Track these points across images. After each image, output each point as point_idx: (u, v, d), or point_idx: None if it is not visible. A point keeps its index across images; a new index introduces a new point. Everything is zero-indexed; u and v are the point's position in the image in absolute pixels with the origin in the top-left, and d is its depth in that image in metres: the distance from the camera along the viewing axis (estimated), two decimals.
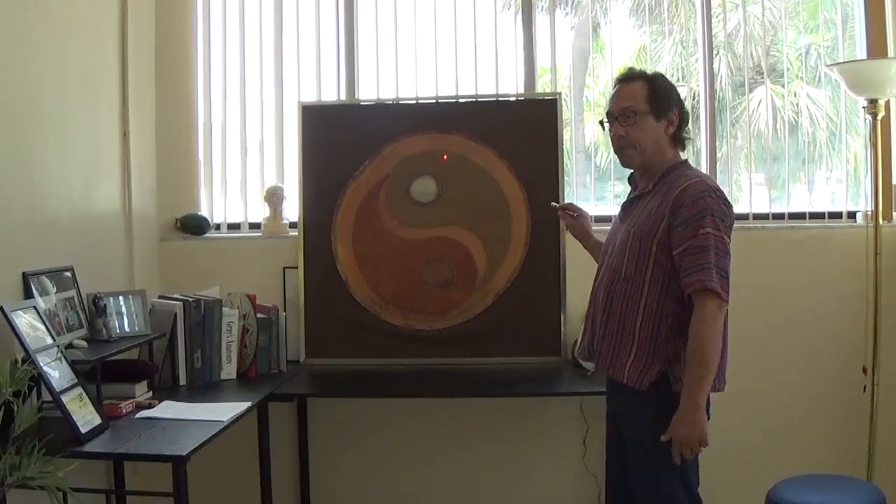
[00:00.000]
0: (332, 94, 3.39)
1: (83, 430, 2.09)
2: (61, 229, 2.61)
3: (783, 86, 3.39)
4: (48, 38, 2.54)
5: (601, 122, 2.23)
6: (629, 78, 2.17)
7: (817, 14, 3.39)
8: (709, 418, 2.04)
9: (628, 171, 2.28)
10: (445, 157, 3.11)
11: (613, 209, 3.28)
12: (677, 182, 2.04)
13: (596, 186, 3.47)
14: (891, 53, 3.15)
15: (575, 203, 2.69)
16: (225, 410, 2.41)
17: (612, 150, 2.24)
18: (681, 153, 2.19)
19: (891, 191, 3.13)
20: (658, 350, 2.03)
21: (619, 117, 2.13)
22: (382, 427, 3.27)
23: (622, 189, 3.40)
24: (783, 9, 3.38)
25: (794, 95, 3.51)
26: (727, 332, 2.05)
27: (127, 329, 2.70)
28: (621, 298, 2.09)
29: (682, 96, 2.19)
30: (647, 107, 2.11)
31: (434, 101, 3.25)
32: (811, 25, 3.51)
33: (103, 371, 2.43)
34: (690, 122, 2.23)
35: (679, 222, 1.98)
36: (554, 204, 2.60)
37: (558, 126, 3.09)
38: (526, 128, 3.11)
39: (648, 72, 2.19)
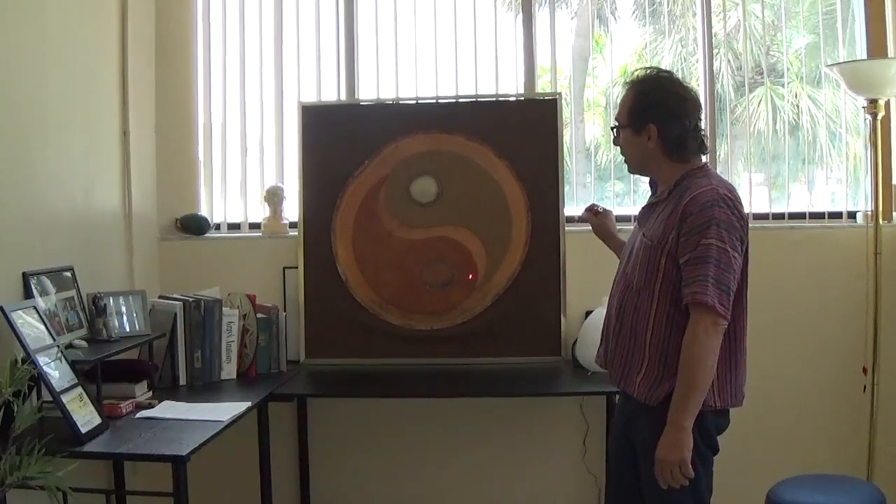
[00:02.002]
0: (332, 94, 3.38)
1: (83, 430, 2.09)
2: (61, 229, 2.61)
3: (783, 86, 3.39)
4: (48, 37, 2.53)
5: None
6: (626, 85, 2.09)
7: (817, 14, 3.39)
8: (722, 431, 2.02)
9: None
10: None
11: (613, 209, 3.29)
12: (689, 190, 1.95)
13: (596, 186, 3.46)
14: (891, 53, 3.15)
15: (596, 202, 2.57)
16: (225, 410, 2.41)
17: (611, 149, 2.22)
18: (701, 157, 2.06)
19: (891, 191, 3.13)
20: (669, 364, 1.93)
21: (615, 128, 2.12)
22: (382, 427, 3.27)
23: (622, 189, 3.41)
24: (783, 8, 3.38)
25: (795, 95, 3.51)
26: (744, 345, 2.00)
27: (127, 329, 2.70)
28: (633, 309, 2.02)
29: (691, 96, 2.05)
30: (627, 120, 2.05)
31: (434, 101, 3.25)
32: (811, 25, 3.51)
33: (103, 371, 2.43)
34: (704, 123, 2.05)
35: (685, 232, 1.91)
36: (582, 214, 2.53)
37: (558, 126, 3.08)
38: (526, 128, 3.11)
39: (645, 74, 2.08)
